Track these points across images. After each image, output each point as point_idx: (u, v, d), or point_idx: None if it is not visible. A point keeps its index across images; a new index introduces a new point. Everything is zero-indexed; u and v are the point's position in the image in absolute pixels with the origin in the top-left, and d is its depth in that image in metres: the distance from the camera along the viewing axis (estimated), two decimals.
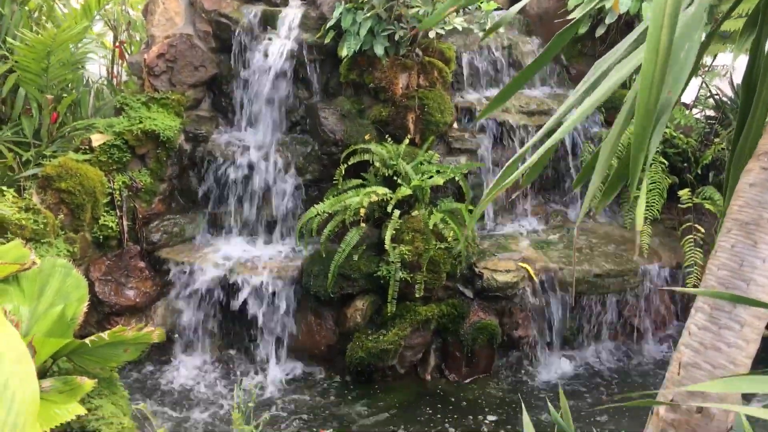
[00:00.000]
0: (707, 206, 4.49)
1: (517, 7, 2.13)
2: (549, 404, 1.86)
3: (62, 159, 4.37)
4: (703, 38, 1.82)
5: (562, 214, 5.46)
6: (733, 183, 1.67)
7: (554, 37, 1.97)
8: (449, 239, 4.51)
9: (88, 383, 2.59)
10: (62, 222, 4.26)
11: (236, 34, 5.30)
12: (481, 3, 4.91)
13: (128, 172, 4.80)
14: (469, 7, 5.25)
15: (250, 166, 5.09)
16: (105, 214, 4.61)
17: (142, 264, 4.76)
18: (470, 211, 4.80)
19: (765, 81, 1.73)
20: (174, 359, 4.73)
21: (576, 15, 2.11)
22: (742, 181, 1.50)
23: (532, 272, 4.65)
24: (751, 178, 1.47)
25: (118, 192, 4.68)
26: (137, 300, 4.63)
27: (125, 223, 4.69)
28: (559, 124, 1.75)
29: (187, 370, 4.67)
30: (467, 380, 4.66)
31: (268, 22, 5.33)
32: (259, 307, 4.70)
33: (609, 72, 1.61)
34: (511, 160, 1.82)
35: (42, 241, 3.99)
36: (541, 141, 1.70)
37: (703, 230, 4.26)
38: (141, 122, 4.80)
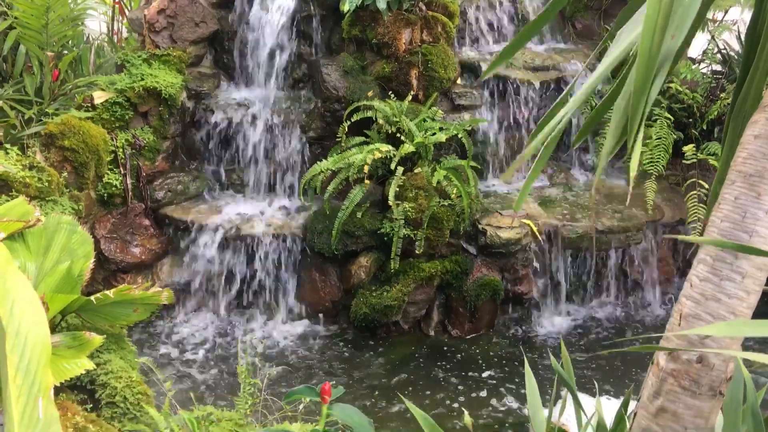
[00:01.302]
0: (712, 162, 4.47)
1: None
2: (551, 355, 1.88)
3: (65, 117, 4.36)
4: None
5: (565, 170, 5.45)
6: (732, 134, 1.66)
7: None
8: (453, 196, 4.52)
9: (96, 339, 2.64)
10: (66, 180, 4.26)
11: None
12: None
13: (131, 130, 4.79)
14: None
15: (253, 124, 5.07)
16: (109, 172, 4.61)
17: (146, 222, 4.78)
18: (473, 168, 4.79)
19: None
20: (180, 314, 4.79)
21: None
22: (747, 133, 1.49)
23: (535, 229, 4.66)
24: (756, 129, 1.46)
25: (121, 150, 4.67)
26: (143, 257, 4.67)
27: (129, 181, 4.69)
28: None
29: (193, 325, 4.74)
30: (470, 336, 4.72)
31: None
32: (263, 264, 4.74)
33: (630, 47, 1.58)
34: (546, 138, 1.74)
35: (47, 198, 4.00)
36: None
37: (707, 186, 4.25)
38: (143, 79, 4.77)
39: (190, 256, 4.79)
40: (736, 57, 5.03)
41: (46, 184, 4.00)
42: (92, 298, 2.67)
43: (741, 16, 5.09)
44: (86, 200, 4.44)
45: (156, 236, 4.79)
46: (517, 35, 2.04)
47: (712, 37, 5.13)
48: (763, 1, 1.85)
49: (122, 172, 4.68)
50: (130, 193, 4.70)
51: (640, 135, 1.41)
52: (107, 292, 2.69)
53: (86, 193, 4.47)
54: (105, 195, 4.61)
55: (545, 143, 1.61)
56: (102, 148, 4.46)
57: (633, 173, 1.44)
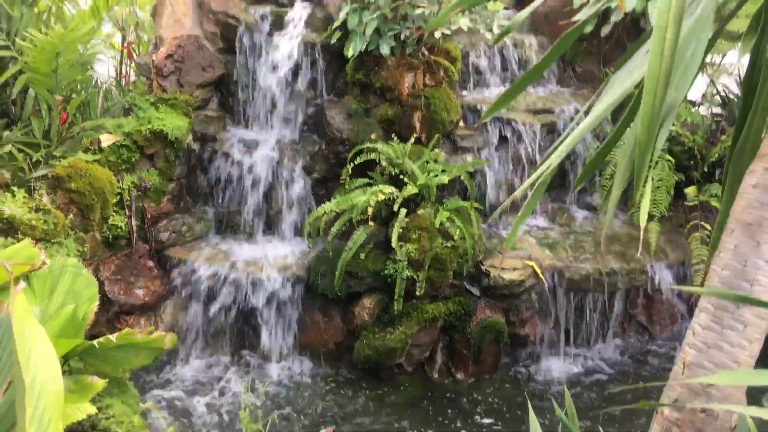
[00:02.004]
0: (714, 204, 4.49)
1: (528, 11, 2.14)
2: (555, 404, 1.88)
3: (72, 159, 4.41)
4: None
5: (568, 211, 5.47)
6: (731, 181, 1.69)
7: (560, 37, 1.98)
8: (456, 237, 4.53)
9: (99, 383, 2.63)
10: (72, 222, 4.29)
11: (243, 34, 5.33)
12: (487, 3, 4.92)
13: (137, 172, 4.84)
14: (475, 7, 5.26)
15: (258, 166, 5.12)
16: (114, 213, 4.65)
17: (150, 263, 4.80)
18: (476, 210, 4.82)
19: (765, 83, 1.74)
20: (183, 356, 4.77)
21: (581, 16, 2.12)
22: (746, 182, 1.51)
23: (538, 270, 4.66)
24: (754, 179, 1.48)
25: (127, 192, 4.71)
26: (146, 299, 4.67)
27: (134, 222, 4.72)
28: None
29: (196, 367, 4.71)
30: (474, 378, 4.68)
31: (276, 22, 5.35)
32: (266, 306, 4.73)
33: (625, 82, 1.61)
34: (539, 179, 1.78)
35: (52, 241, 4.02)
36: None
37: (709, 228, 4.26)
38: (150, 122, 4.83)
39: (193, 298, 4.79)
40: (735, 100, 5.09)
41: (52, 226, 4.03)
42: (95, 342, 2.67)
43: (739, 62, 5.16)
44: (91, 242, 4.47)
45: (159, 278, 4.79)
46: (517, 80, 2.08)
47: (711, 80, 5.20)
48: (760, 49, 1.89)
49: (127, 213, 4.71)
50: (134, 235, 4.73)
51: (648, 187, 1.43)
52: (110, 336, 2.69)
53: (91, 235, 4.49)
54: (110, 237, 4.64)
55: (536, 186, 1.64)
56: (108, 190, 4.50)
57: (642, 224, 1.46)
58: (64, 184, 4.28)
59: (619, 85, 1.63)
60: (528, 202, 1.80)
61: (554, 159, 1.57)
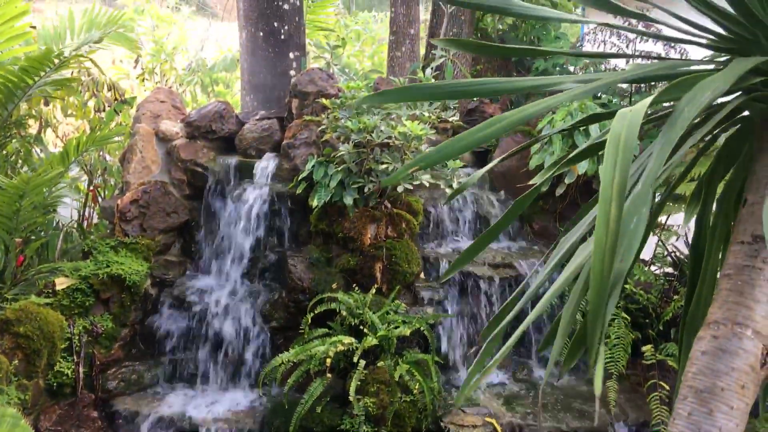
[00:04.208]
0: (671, 363, 4.51)
1: (483, 171, 2.24)
2: None
3: (23, 302, 4.30)
4: (654, 205, 1.93)
5: (528, 366, 5.43)
6: (686, 348, 1.72)
7: (517, 200, 2.07)
8: (415, 391, 4.44)
9: None
10: (16, 368, 4.11)
11: (210, 182, 5.45)
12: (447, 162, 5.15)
13: (90, 317, 4.72)
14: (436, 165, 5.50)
15: (215, 313, 5.04)
16: (61, 360, 4.47)
17: (94, 414, 4.55)
18: (436, 363, 4.76)
19: (711, 251, 1.83)
20: None
21: (538, 179, 2.23)
22: (695, 348, 1.54)
23: (499, 429, 4.54)
24: (703, 345, 1.51)
25: (77, 337, 4.57)
26: None
27: (81, 369, 4.54)
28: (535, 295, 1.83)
29: None
30: None
31: (243, 172, 5.50)
32: None
33: (573, 249, 1.69)
34: (493, 334, 1.84)
35: None
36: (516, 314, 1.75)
37: (668, 387, 4.26)
38: (108, 266, 4.79)
39: None
40: (686, 260, 5.28)
41: None
42: None
43: (685, 225, 5.40)
44: (34, 390, 4.26)
45: (103, 429, 4.54)
46: (477, 239, 2.15)
47: (661, 241, 5.41)
48: (702, 221, 1.99)
49: (75, 360, 4.54)
50: (81, 383, 4.52)
51: (601, 355, 1.44)
52: None
53: (35, 382, 4.29)
54: (55, 384, 4.43)
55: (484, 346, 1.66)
56: (57, 335, 4.36)
57: (597, 392, 1.45)
58: (13, 327, 4.14)
59: (578, 253, 1.69)
60: (478, 358, 1.81)
61: (517, 332, 1.60)
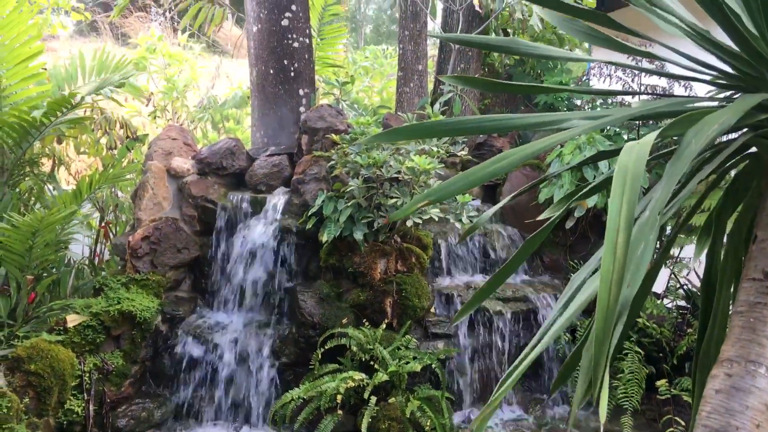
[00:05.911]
0: (686, 398, 4.45)
1: (495, 209, 2.25)
2: None
3: (35, 340, 4.30)
4: (667, 233, 1.93)
5: (541, 403, 5.36)
6: (699, 385, 1.70)
7: (528, 239, 2.07)
8: (427, 428, 4.39)
9: None
10: (27, 405, 4.10)
11: (221, 218, 5.48)
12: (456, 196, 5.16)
13: (100, 354, 4.72)
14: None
15: (225, 349, 5.03)
16: (72, 397, 4.46)
17: None
18: (447, 399, 4.71)
19: (722, 286, 1.82)
20: None
21: (547, 214, 2.23)
22: (709, 387, 1.52)
23: None
24: (717, 384, 1.50)
25: (88, 374, 4.56)
26: None
27: (92, 407, 4.52)
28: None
29: None
30: None
31: (254, 208, 5.53)
32: None
33: (583, 285, 1.68)
34: (506, 373, 1.83)
35: (3, 426, 3.82)
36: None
37: (683, 423, 4.19)
38: (119, 303, 4.80)
39: None
40: (698, 293, 5.24)
41: (5, 410, 3.84)
42: None
43: (696, 259, 5.37)
44: (45, 428, 4.23)
45: None
46: (491, 278, 2.14)
47: (674, 274, 5.37)
48: (713, 256, 1.98)
49: (86, 398, 4.52)
50: (91, 421, 4.50)
51: (606, 383, 1.43)
52: None
53: (45, 420, 4.27)
54: (65, 422, 4.41)
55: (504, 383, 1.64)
56: (68, 372, 4.35)
57: (602, 420, 1.44)
58: (24, 365, 4.15)
59: (586, 286, 1.69)
60: (495, 396, 1.79)
61: (525, 362, 1.59)
